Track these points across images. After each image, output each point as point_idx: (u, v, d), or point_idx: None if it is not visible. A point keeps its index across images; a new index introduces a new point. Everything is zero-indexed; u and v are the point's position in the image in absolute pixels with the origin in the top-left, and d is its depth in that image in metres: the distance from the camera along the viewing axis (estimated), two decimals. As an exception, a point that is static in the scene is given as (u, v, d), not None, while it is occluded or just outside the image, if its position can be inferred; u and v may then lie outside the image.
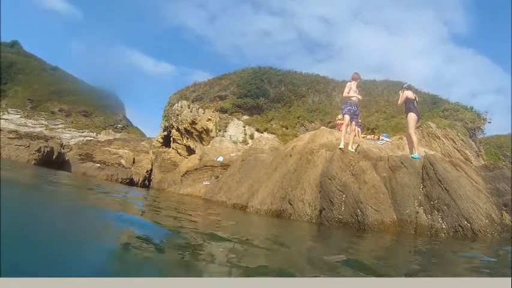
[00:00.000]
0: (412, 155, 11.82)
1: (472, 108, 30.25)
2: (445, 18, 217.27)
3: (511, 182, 9.97)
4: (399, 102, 13.46)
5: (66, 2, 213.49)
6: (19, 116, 53.34)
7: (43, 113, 56.33)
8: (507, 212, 8.94)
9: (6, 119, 50.90)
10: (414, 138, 12.59)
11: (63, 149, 38.97)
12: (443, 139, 24.06)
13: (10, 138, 32.37)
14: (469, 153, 23.59)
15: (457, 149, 23.54)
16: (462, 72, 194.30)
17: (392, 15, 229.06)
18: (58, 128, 53.59)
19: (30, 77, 64.53)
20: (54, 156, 34.04)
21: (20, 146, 31.39)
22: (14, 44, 74.08)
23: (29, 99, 57.19)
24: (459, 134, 24.80)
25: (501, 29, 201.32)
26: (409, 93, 13.08)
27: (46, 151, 32.89)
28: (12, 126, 46.55)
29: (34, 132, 40.89)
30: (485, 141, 32.91)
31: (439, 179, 9.54)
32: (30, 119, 53.38)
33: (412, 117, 12.66)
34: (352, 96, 13.08)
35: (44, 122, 54.00)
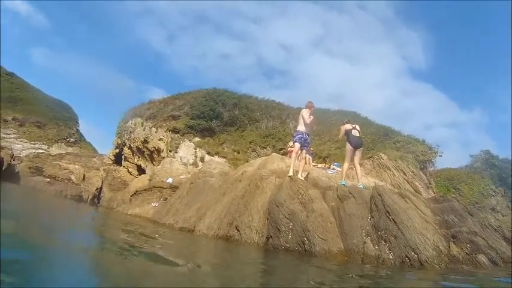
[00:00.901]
0: (341, 181, 12.24)
1: (424, 141, 30.70)
2: (404, 53, 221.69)
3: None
4: (340, 136, 13.85)
5: (29, 4, 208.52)
6: (-32, 122, 51.11)
7: None
8: (455, 244, 8.92)
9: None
10: (345, 166, 13.26)
11: (14, 160, 37.83)
12: (394, 170, 24.22)
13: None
14: (419, 185, 23.80)
15: (407, 181, 23.71)
16: (418, 106, 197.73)
17: (353, 47, 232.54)
18: (10, 138, 51.36)
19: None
20: (3, 167, 33.00)
21: (-33, 154, 30.45)
22: (-32, 42, 71.02)
23: (-19, 105, 54.82)
24: (410, 165, 25.05)
25: (457, 67, 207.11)
26: (346, 126, 13.49)
27: None
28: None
29: (-16, 140, 39.65)
30: (436, 174, 33.34)
31: (387, 210, 9.49)
32: (-19, 125, 51.11)
33: (347, 148, 13.18)
34: (308, 123, 12.99)
35: None
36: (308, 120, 13.00)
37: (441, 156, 29.60)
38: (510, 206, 35.69)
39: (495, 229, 10.53)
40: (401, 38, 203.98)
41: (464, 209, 10.77)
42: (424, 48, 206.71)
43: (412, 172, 24.74)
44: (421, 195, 18.18)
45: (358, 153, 13.10)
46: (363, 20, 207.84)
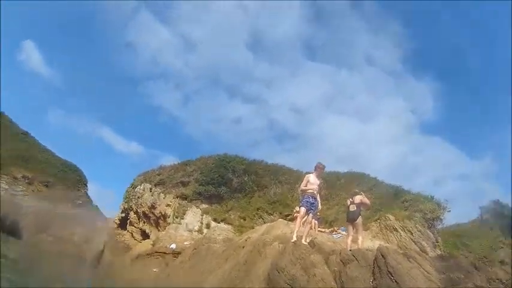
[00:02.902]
0: None
1: (432, 197, 30.13)
2: (413, 106, 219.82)
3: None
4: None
5: (49, 66, 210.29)
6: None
7: (5, 176, 53.60)
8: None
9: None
10: (348, 240, 13.39)
11: (20, 216, 37.59)
12: (401, 231, 23.87)
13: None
14: (425, 245, 23.44)
15: (413, 241, 23.37)
16: (427, 160, 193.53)
17: (364, 104, 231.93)
18: (18, 194, 51.11)
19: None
20: (8, 222, 32.81)
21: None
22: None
23: (-7, 160, 54.78)
24: (417, 225, 24.75)
25: (466, 117, 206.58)
26: (347, 201, 14.25)
27: (1, 215, 31.77)
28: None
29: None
30: (444, 231, 32.92)
31: (389, 271, 9.50)
32: (-8, 180, 51.06)
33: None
34: (308, 189, 13.06)
35: (4, 185, 51.54)
36: (310, 186, 13.11)
37: (449, 211, 29.25)
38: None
39: (505, 283, 10.46)
40: (410, 90, 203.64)
41: (470, 265, 10.71)
42: (432, 100, 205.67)
43: (420, 231, 24.41)
44: (427, 254, 18.07)
45: (357, 225, 13.39)
46: (371, 75, 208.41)
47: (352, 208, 13.44)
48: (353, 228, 13.34)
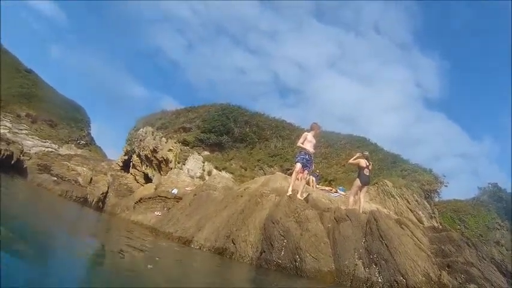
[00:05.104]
0: None
1: (431, 170, 30.37)
2: (418, 80, 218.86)
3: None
4: (350, 161, 14.39)
5: (52, 3, 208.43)
6: (-17, 113, 50.54)
7: (9, 114, 52.98)
8: (449, 273, 8.93)
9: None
10: (351, 200, 13.87)
11: (23, 155, 37.60)
12: (398, 198, 24.01)
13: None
14: (421, 214, 23.61)
15: (410, 209, 23.49)
16: (429, 134, 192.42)
17: (368, 69, 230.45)
18: (21, 133, 50.34)
19: (2, 74, 61.17)
20: (12, 161, 32.82)
21: (-21, 143, 30.12)
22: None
23: (-3, 98, 54.01)
24: (414, 194, 24.86)
25: (470, 97, 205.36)
26: (362, 162, 14.02)
27: (6, 154, 31.78)
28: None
29: (-4, 132, 39.16)
30: (442, 205, 33.12)
31: (380, 235, 9.62)
32: (-5, 118, 50.49)
33: (355, 184, 14.04)
34: (304, 148, 13.07)
35: (8, 124, 50.49)
36: (307, 144, 13.10)
37: (447, 186, 29.40)
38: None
39: (497, 262, 10.60)
40: (417, 64, 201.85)
41: (462, 240, 10.77)
42: (438, 77, 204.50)
43: (416, 201, 24.56)
44: (423, 224, 18.18)
45: (364, 189, 13.54)
46: (379, 43, 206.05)
47: (367, 173, 13.68)
48: (360, 191, 13.52)
